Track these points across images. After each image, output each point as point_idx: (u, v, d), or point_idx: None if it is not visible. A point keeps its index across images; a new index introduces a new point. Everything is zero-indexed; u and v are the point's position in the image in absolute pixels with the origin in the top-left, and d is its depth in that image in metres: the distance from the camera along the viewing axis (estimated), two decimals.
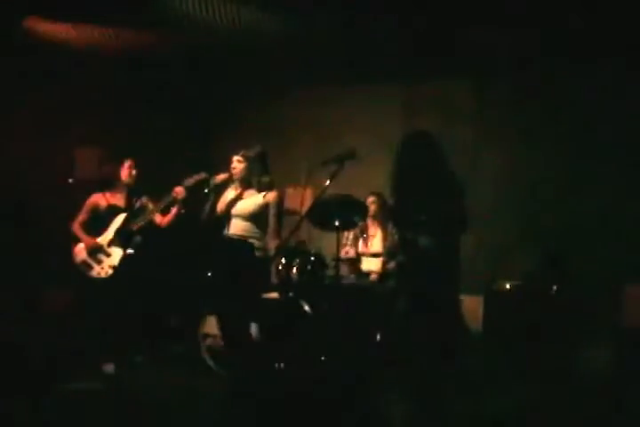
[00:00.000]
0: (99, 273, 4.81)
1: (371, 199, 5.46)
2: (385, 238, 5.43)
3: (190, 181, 4.75)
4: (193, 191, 4.76)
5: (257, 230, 4.33)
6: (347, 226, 4.84)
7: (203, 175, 4.71)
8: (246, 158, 4.36)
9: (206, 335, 4.75)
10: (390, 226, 5.39)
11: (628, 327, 5.03)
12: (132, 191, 5.03)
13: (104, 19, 5.08)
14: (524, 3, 4.60)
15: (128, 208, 4.97)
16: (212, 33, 5.23)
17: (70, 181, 5.66)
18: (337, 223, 4.54)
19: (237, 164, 4.38)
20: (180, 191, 4.77)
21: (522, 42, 5.27)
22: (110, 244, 4.87)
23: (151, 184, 5.04)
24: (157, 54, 5.87)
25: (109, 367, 4.68)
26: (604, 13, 4.70)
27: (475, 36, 5.16)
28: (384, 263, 5.32)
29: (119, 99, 6.34)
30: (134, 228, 4.89)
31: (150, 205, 4.98)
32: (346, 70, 6.14)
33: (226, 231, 4.39)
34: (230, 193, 4.47)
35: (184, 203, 4.84)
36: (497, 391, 4.18)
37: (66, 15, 5.00)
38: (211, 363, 4.71)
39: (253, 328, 4.51)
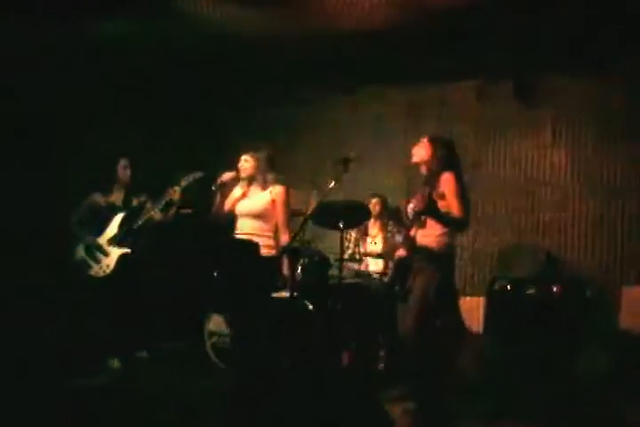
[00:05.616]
0: (97, 272, 4.84)
1: (374, 201, 5.54)
2: (386, 239, 5.50)
3: (186, 179, 4.79)
4: (191, 190, 4.81)
5: (267, 228, 4.35)
6: (350, 226, 4.92)
7: (198, 174, 4.77)
8: (254, 158, 4.41)
9: (212, 333, 4.84)
10: (390, 226, 5.47)
11: (625, 328, 5.11)
12: (131, 190, 5.05)
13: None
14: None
15: (126, 207, 4.99)
16: (217, 32, 5.21)
17: None
18: (341, 225, 4.61)
19: (245, 162, 4.42)
20: (175, 191, 4.78)
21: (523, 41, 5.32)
22: (109, 243, 4.88)
23: (152, 183, 5.05)
24: (157, 54, 5.78)
25: (113, 363, 4.76)
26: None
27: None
28: (386, 263, 5.39)
29: (119, 97, 6.34)
30: (134, 227, 4.87)
31: (149, 204, 4.96)
32: (348, 72, 6.19)
33: (235, 231, 4.42)
34: (237, 191, 4.50)
35: (185, 202, 4.86)
36: (497, 391, 4.23)
37: None
38: (215, 360, 4.80)
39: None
